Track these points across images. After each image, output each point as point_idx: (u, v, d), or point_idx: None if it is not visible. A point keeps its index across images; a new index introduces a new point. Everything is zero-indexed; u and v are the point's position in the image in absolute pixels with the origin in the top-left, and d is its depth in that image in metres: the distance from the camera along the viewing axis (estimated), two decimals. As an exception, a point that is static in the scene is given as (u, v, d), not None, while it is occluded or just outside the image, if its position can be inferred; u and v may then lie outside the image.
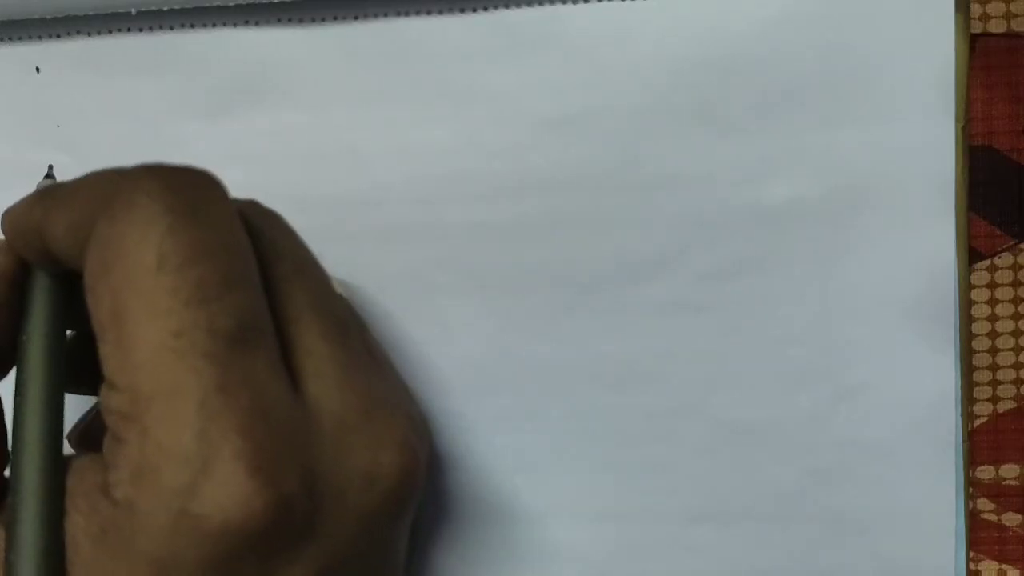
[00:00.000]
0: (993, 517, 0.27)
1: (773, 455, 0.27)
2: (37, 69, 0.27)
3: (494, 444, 0.27)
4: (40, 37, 0.27)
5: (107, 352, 0.20)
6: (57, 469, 0.21)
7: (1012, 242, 0.26)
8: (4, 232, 0.22)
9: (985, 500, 0.27)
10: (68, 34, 0.27)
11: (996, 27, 0.26)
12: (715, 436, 0.27)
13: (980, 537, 0.27)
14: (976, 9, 0.25)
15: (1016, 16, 0.25)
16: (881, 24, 0.25)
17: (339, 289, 0.25)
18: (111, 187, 0.20)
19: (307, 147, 0.27)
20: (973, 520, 0.27)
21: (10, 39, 0.27)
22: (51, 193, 0.22)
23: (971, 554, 0.27)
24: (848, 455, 0.27)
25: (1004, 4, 0.25)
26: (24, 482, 0.21)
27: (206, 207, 0.20)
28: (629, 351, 0.27)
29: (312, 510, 0.20)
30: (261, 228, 0.22)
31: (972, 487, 0.27)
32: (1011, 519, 0.27)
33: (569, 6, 0.26)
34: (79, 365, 0.22)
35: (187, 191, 0.20)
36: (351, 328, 0.23)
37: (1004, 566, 0.27)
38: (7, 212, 0.22)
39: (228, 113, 0.27)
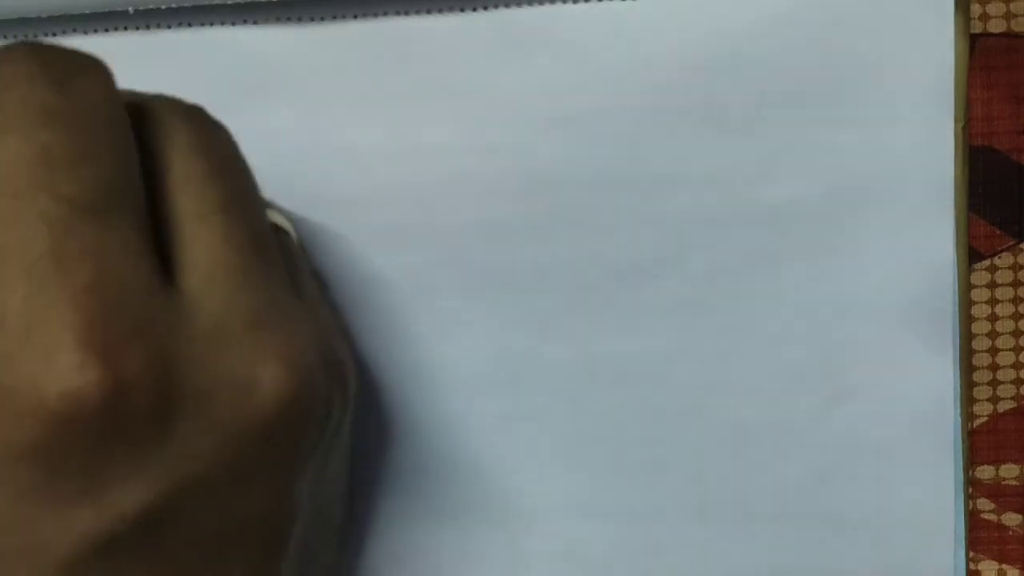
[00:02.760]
0: (993, 517, 0.27)
1: (773, 455, 0.27)
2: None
3: (494, 444, 0.27)
4: (36, 35, 0.27)
5: None
6: None
7: (1012, 242, 0.26)
8: None
9: (985, 500, 0.27)
10: (64, 32, 0.27)
11: (996, 27, 0.26)
12: (715, 436, 0.27)
13: (980, 537, 0.27)
14: (976, 9, 0.25)
15: (1016, 16, 0.25)
16: (881, 24, 0.25)
17: (283, 223, 0.24)
18: None
19: (306, 146, 0.27)
20: (973, 520, 0.27)
21: (5, 37, 0.27)
22: None
23: (971, 554, 0.27)
24: (848, 455, 0.27)
25: (1004, 4, 0.25)
26: None
27: (72, 78, 0.19)
28: (629, 351, 0.27)
29: (160, 408, 0.18)
30: (188, 126, 0.21)
31: (972, 487, 0.27)
32: (1011, 519, 0.27)
33: (569, 5, 0.26)
34: None
35: (55, 62, 0.19)
36: (266, 243, 0.21)
37: (1004, 566, 0.27)
38: None
39: (226, 112, 0.27)
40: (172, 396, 0.18)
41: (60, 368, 0.17)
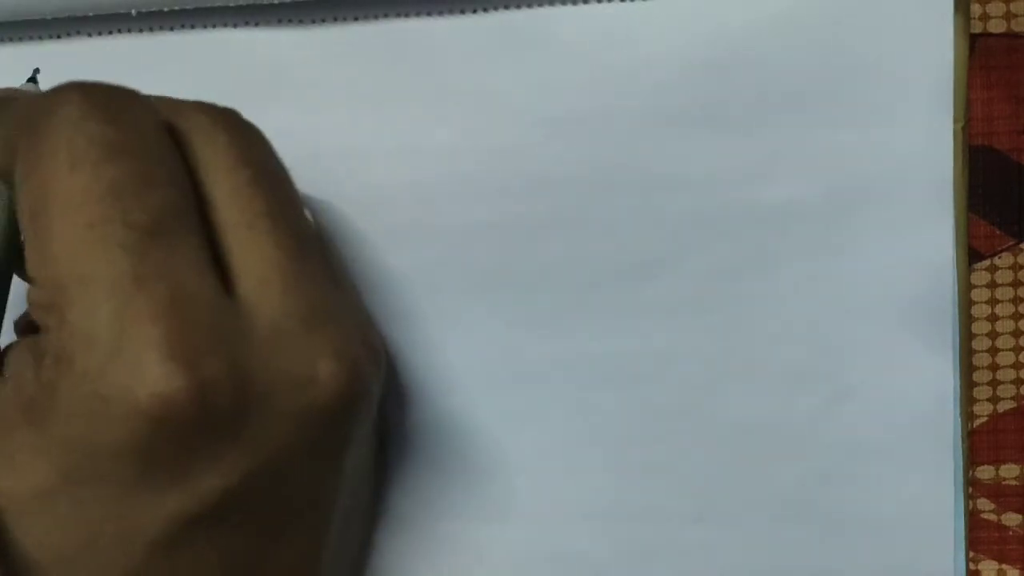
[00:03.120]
0: (993, 517, 0.27)
1: (773, 455, 0.27)
2: (37, 70, 0.27)
3: (494, 444, 0.27)
4: (40, 38, 0.27)
5: (29, 252, 0.21)
6: None
7: (1012, 242, 0.26)
8: None
9: (985, 500, 0.27)
10: (68, 35, 0.27)
11: (996, 27, 0.26)
12: (715, 436, 0.27)
13: (980, 537, 0.27)
14: (976, 9, 0.25)
15: (1016, 16, 0.25)
16: (881, 24, 0.25)
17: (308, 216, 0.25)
18: (38, 102, 0.21)
19: (307, 147, 0.27)
20: (973, 520, 0.27)
21: (10, 39, 0.27)
22: None
23: (971, 554, 0.27)
24: (848, 455, 0.27)
25: (1004, 4, 0.25)
26: None
27: (123, 113, 0.21)
28: (629, 351, 0.27)
29: (237, 404, 0.20)
30: (228, 136, 0.22)
31: (972, 487, 0.27)
32: (1011, 519, 0.27)
33: (568, 7, 0.26)
34: None
35: (105, 99, 0.21)
36: (310, 242, 0.23)
37: (1004, 566, 0.27)
38: None
39: (228, 114, 0.27)
40: (244, 394, 0.20)
41: (150, 378, 0.19)
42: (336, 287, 0.23)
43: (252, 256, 0.21)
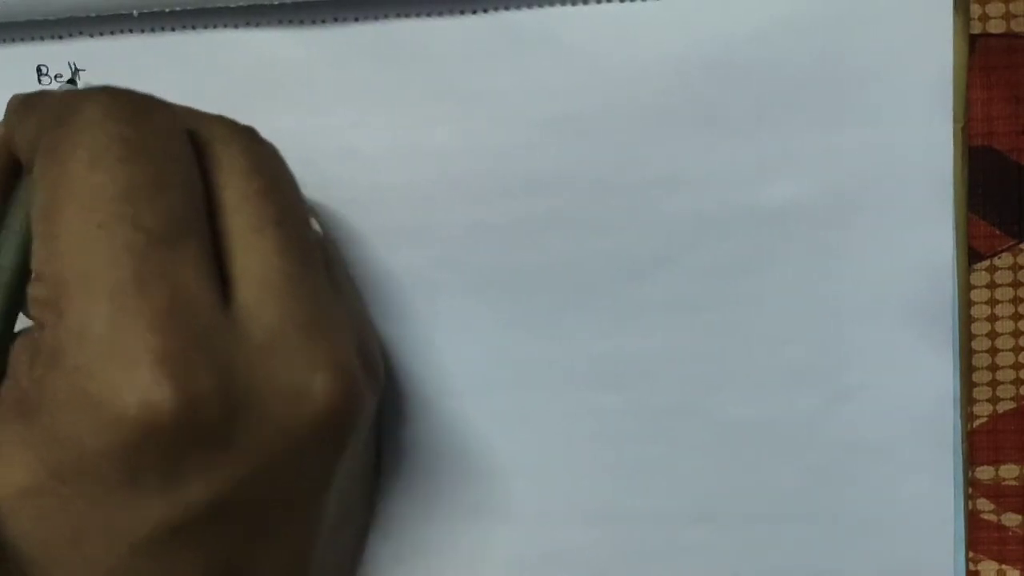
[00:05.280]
0: (993, 517, 0.27)
1: (773, 455, 0.27)
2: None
3: (494, 444, 0.27)
4: (43, 38, 0.27)
5: (37, 247, 0.21)
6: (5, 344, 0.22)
7: (1012, 242, 0.26)
8: None
9: (985, 500, 0.27)
10: (71, 35, 0.27)
11: (996, 27, 0.26)
12: (715, 436, 0.27)
13: (980, 537, 0.27)
14: (976, 9, 0.25)
15: (1016, 16, 0.25)
16: (880, 25, 0.25)
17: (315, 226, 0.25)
18: (66, 99, 0.22)
19: (308, 147, 0.27)
20: (973, 520, 0.27)
21: (12, 40, 0.27)
22: (23, 105, 0.23)
23: (971, 554, 0.27)
24: (848, 455, 0.27)
25: (1004, 4, 0.25)
26: None
27: (145, 115, 0.21)
28: (629, 351, 0.27)
29: (227, 416, 0.20)
30: (243, 148, 0.23)
31: (972, 487, 0.27)
32: (1011, 519, 0.27)
33: (569, 7, 0.26)
34: None
35: (129, 102, 0.22)
36: (313, 255, 0.23)
37: (1004, 566, 0.27)
38: None
39: (230, 114, 0.27)
40: (235, 405, 0.20)
41: (140, 385, 0.19)
42: (338, 300, 0.23)
43: (255, 261, 0.21)
